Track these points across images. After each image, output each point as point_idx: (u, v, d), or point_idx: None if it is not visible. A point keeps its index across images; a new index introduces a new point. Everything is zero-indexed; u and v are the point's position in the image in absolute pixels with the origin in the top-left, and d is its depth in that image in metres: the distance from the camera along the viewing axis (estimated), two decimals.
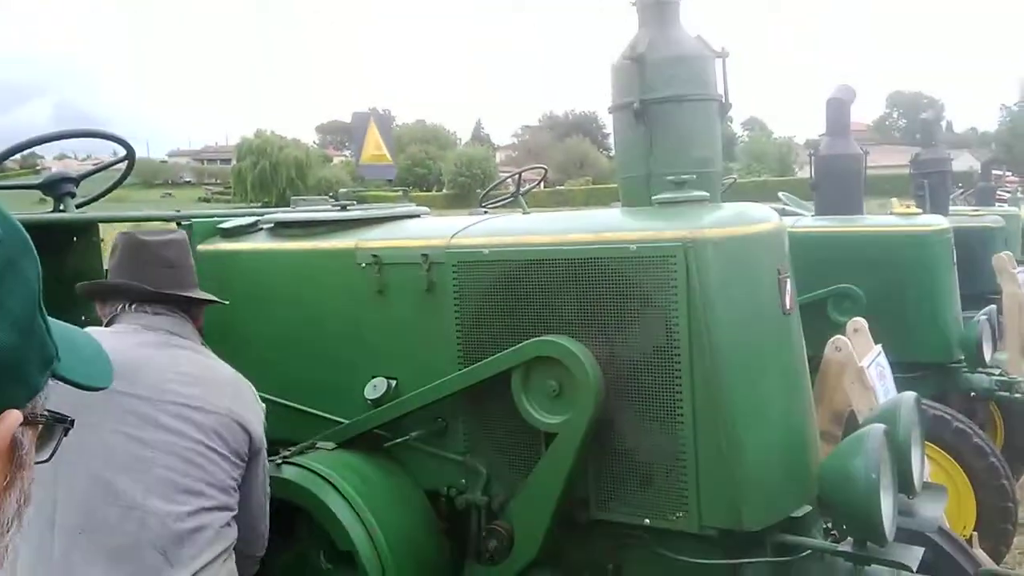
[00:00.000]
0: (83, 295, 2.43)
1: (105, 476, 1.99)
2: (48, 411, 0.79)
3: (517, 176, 6.28)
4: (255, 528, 2.29)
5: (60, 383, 0.82)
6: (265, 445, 2.27)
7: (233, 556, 2.14)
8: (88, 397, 0.84)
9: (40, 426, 0.79)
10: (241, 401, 2.23)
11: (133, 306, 2.31)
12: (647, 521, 2.27)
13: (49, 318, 0.78)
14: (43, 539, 1.92)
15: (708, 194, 2.43)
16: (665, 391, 2.22)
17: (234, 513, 2.15)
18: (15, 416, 0.73)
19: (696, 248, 2.18)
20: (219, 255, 3.04)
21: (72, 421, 0.81)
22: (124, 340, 2.20)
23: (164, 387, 2.11)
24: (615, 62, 2.79)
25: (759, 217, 2.42)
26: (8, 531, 0.76)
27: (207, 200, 65.18)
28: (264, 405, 2.33)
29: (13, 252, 0.73)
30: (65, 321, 0.86)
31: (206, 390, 2.17)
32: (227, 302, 2.55)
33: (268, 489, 2.33)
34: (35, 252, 0.76)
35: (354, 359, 2.75)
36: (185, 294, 2.37)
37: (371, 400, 2.64)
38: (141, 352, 2.18)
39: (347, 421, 2.69)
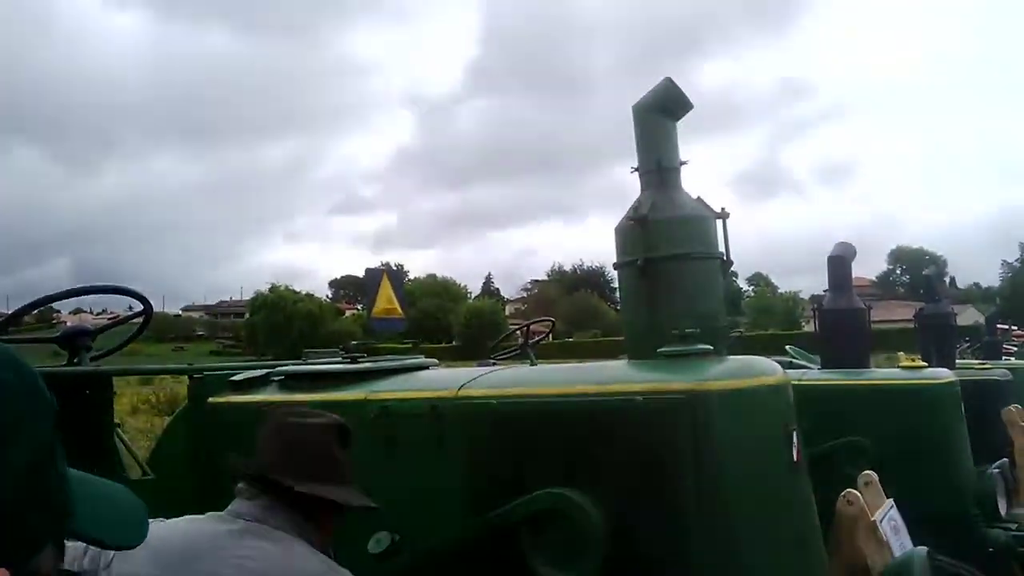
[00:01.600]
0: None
1: None
2: (65, 570, 0.77)
3: (525, 328, 6.34)
4: None
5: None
6: None
7: None
8: None
9: None
10: None
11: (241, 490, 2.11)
12: None
13: (82, 474, 0.75)
14: None
15: (712, 347, 2.47)
16: (673, 544, 2.19)
17: None
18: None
19: (701, 400, 2.20)
20: (230, 407, 3.07)
21: None
22: (182, 525, 1.96)
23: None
24: (619, 224, 2.91)
25: (764, 370, 2.45)
26: None
27: (219, 353, 65.56)
28: None
29: (23, 402, 0.70)
30: None
31: None
32: (359, 504, 2.22)
33: None
34: (50, 402, 0.73)
35: (360, 512, 2.71)
36: (285, 483, 2.03)
37: (374, 555, 2.60)
38: (193, 532, 1.93)
39: None
